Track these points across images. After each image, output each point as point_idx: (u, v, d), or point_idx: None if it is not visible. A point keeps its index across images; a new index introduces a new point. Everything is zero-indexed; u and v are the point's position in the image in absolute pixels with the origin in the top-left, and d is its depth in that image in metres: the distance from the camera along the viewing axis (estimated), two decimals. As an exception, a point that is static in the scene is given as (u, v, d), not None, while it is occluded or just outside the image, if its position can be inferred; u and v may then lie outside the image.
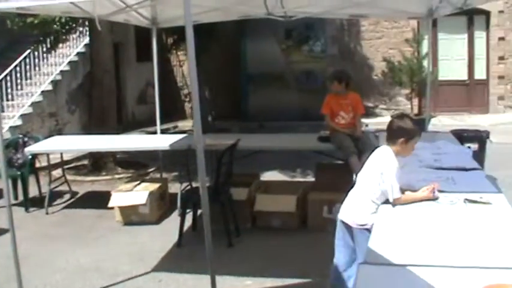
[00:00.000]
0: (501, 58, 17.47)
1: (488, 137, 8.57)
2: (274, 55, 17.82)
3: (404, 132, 4.38)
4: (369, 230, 4.30)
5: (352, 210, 4.56)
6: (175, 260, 6.41)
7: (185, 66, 18.95)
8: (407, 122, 4.45)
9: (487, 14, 17.21)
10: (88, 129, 11.63)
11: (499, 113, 17.33)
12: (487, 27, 17.54)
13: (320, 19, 14.16)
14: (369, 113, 15.32)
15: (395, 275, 2.95)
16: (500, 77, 17.53)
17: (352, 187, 4.76)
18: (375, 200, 4.35)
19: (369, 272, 2.99)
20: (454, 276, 2.86)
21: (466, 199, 4.20)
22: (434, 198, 4.24)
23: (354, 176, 7.09)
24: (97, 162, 10.91)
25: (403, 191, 4.28)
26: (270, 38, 17.53)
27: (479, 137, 8.44)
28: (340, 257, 4.68)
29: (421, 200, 4.22)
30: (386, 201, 4.26)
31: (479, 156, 7.49)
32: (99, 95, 11.05)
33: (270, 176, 9.85)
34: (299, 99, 17.27)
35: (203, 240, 4.45)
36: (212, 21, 8.76)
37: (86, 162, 11.31)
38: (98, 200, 8.44)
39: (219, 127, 14.78)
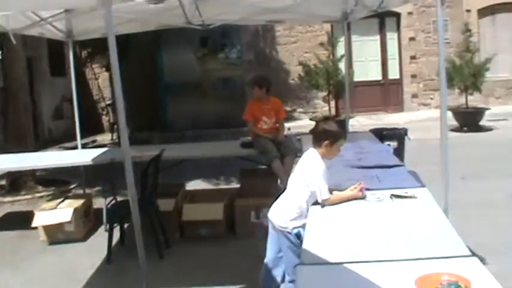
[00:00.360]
0: (413, 57, 18.06)
1: (406, 134, 8.80)
2: (191, 64, 17.84)
3: (330, 135, 4.47)
4: (290, 233, 4.43)
5: (277, 211, 4.63)
6: (106, 276, 6.28)
7: (100, 79, 18.70)
8: (332, 124, 4.56)
9: (397, 15, 17.77)
10: (4, 148, 11.29)
11: (413, 110, 17.89)
12: (398, 28, 18.09)
13: (235, 26, 14.24)
14: (288, 117, 15.45)
15: (333, 273, 3.00)
16: (413, 76, 18.12)
17: (277, 191, 4.85)
18: (305, 201, 4.41)
19: (307, 272, 3.04)
20: (389, 270, 2.95)
21: (392, 195, 4.32)
22: (362, 197, 4.35)
23: (278, 180, 7.18)
24: (16, 181, 10.59)
25: (331, 191, 4.36)
26: (185, 47, 17.54)
27: (398, 135, 8.65)
28: (269, 254, 4.78)
29: (350, 199, 4.32)
30: (317, 203, 4.33)
31: (399, 153, 7.69)
32: (14, 112, 10.75)
33: (195, 185, 9.83)
34: (218, 107, 17.33)
35: (132, 254, 4.39)
36: (131, 32, 8.63)
37: (3, 182, 10.97)
38: (20, 221, 8.20)
39: (140, 139, 14.63)
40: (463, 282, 2.65)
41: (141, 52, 16.93)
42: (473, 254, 3.09)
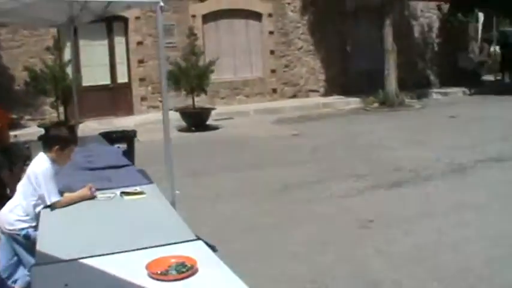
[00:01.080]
0: (141, 61, 18.38)
1: (135, 136, 9.06)
2: None
3: (60, 140, 4.60)
4: (18, 235, 4.46)
5: (4, 215, 4.60)
6: None
7: None
8: (63, 130, 4.72)
9: (125, 20, 17.93)
10: None
11: (142, 113, 18.20)
12: (126, 32, 18.30)
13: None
14: (15, 124, 14.86)
15: (69, 270, 3.12)
16: (142, 79, 18.44)
17: (6, 199, 4.82)
18: (32, 205, 4.44)
19: (42, 272, 3.13)
20: (122, 260, 3.18)
21: (122, 192, 4.55)
22: (92, 197, 4.49)
23: (8, 190, 7.01)
24: None
25: (62, 193, 4.43)
26: None
27: (128, 137, 8.88)
28: (2, 262, 4.70)
29: (81, 200, 4.44)
30: (48, 206, 4.37)
31: (129, 154, 7.91)
32: None
33: None
34: None
35: None
36: None
37: None
38: None
39: None
40: (189, 262, 3.02)
41: None
42: (199, 239, 3.43)
